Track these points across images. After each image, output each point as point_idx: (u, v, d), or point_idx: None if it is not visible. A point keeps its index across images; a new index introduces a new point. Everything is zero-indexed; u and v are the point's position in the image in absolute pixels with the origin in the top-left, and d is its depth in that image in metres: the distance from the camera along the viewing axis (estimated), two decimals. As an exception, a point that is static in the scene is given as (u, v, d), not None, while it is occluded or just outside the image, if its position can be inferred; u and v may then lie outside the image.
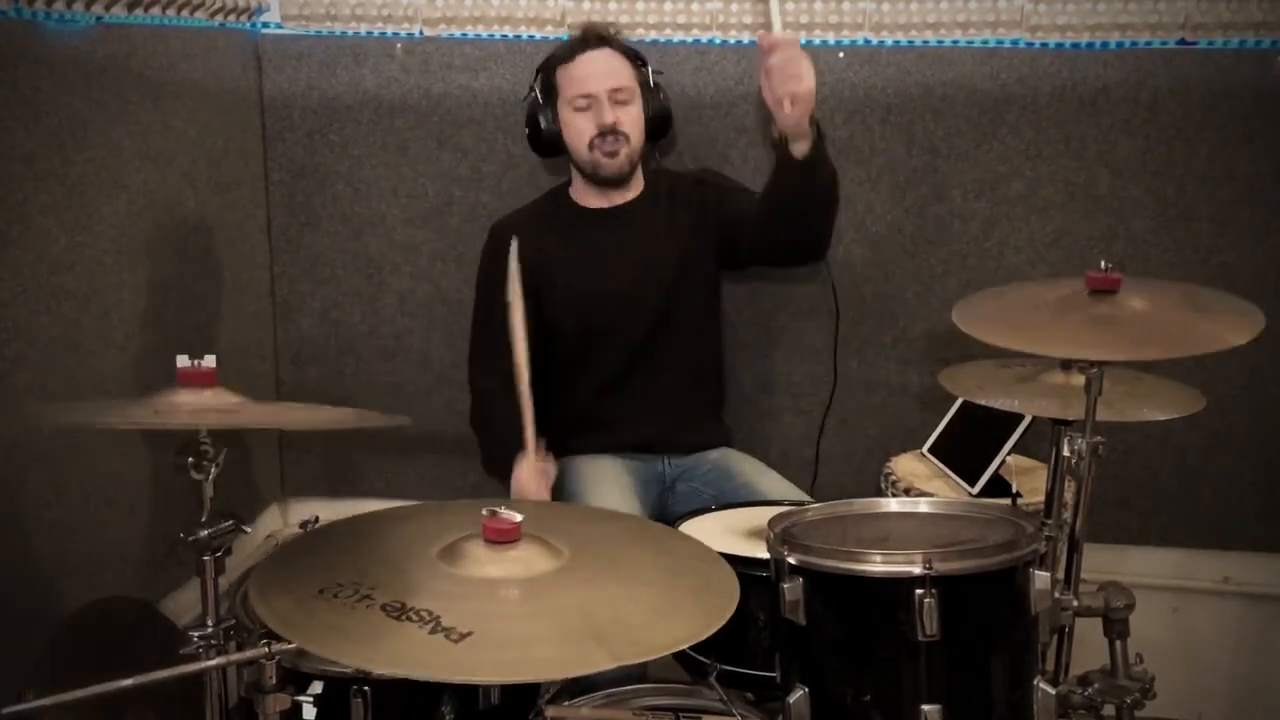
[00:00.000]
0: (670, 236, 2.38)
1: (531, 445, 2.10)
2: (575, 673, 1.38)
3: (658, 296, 2.35)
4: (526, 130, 2.41)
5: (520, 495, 2.11)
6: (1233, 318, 1.74)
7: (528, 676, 1.24)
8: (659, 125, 2.41)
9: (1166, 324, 1.75)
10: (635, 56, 2.37)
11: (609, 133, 2.27)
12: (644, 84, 2.36)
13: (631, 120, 2.31)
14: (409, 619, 1.27)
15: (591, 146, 2.29)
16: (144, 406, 1.42)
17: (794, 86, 2.01)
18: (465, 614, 1.27)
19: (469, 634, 1.23)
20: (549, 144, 2.38)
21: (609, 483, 2.25)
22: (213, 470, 1.42)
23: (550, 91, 2.34)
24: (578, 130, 2.30)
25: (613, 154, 2.29)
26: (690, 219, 2.39)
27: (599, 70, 2.30)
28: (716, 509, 2.08)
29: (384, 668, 1.21)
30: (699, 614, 1.33)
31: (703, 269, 2.41)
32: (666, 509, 2.32)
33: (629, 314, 2.35)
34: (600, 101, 2.27)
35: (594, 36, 2.32)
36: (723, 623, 1.32)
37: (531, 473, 2.10)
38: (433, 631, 1.24)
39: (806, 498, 2.23)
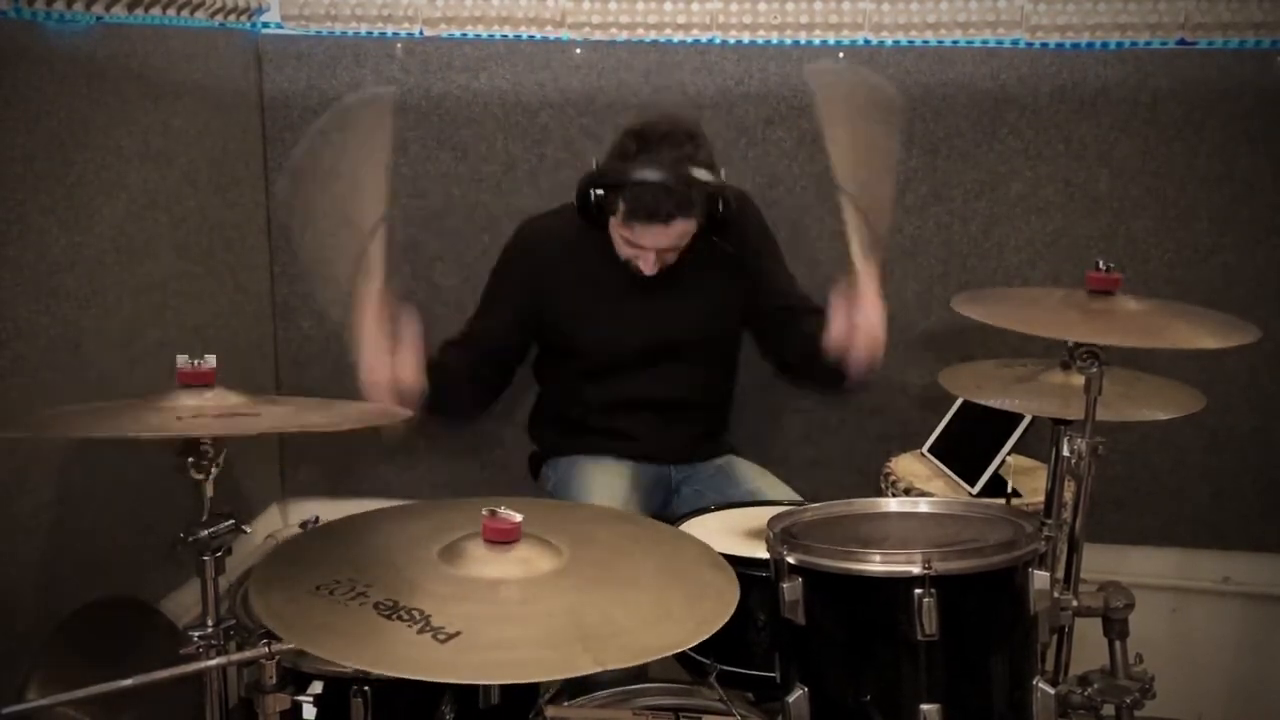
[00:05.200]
0: (699, 292, 2.30)
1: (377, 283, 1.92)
2: (558, 676, 1.38)
3: (679, 345, 2.32)
4: (579, 205, 2.18)
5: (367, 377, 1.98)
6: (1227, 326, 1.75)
7: (510, 678, 1.25)
8: (717, 222, 2.19)
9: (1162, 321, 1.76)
10: (712, 195, 2.13)
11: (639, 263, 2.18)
12: (703, 212, 2.14)
13: (676, 242, 2.16)
14: (399, 618, 1.27)
15: (625, 258, 2.20)
16: (151, 410, 1.40)
17: (875, 347, 2.04)
18: (456, 614, 1.27)
19: (457, 634, 1.23)
20: (592, 214, 2.20)
21: (615, 485, 2.26)
22: (213, 470, 1.42)
23: (606, 207, 2.16)
24: (618, 245, 2.19)
25: (644, 269, 2.19)
26: (723, 277, 2.31)
27: (657, 237, 2.14)
28: (716, 509, 2.08)
29: (366, 665, 1.21)
30: (690, 620, 1.32)
31: (727, 319, 2.38)
32: (670, 511, 2.32)
33: (648, 356, 2.32)
34: (645, 254, 2.16)
35: (671, 206, 2.08)
36: (713, 631, 1.32)
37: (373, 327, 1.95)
38: (421, 631, 1.24)
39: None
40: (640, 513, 2.18)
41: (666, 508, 2.33)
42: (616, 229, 2.18)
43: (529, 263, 2.32)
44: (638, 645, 1.26)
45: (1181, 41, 2.41)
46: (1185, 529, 2.59)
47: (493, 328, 2.33)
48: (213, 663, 1.39)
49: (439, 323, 2.65)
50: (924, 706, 1.46)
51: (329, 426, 1.37)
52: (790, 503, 2.04)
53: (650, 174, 2.08)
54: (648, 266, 2.18)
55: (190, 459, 1.42)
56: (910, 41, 2.47)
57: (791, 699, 1.53)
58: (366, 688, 1.55)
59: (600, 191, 2.15)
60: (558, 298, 2.29)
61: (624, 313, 2.30)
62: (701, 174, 2.11)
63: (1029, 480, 2.25)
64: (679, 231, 2.14)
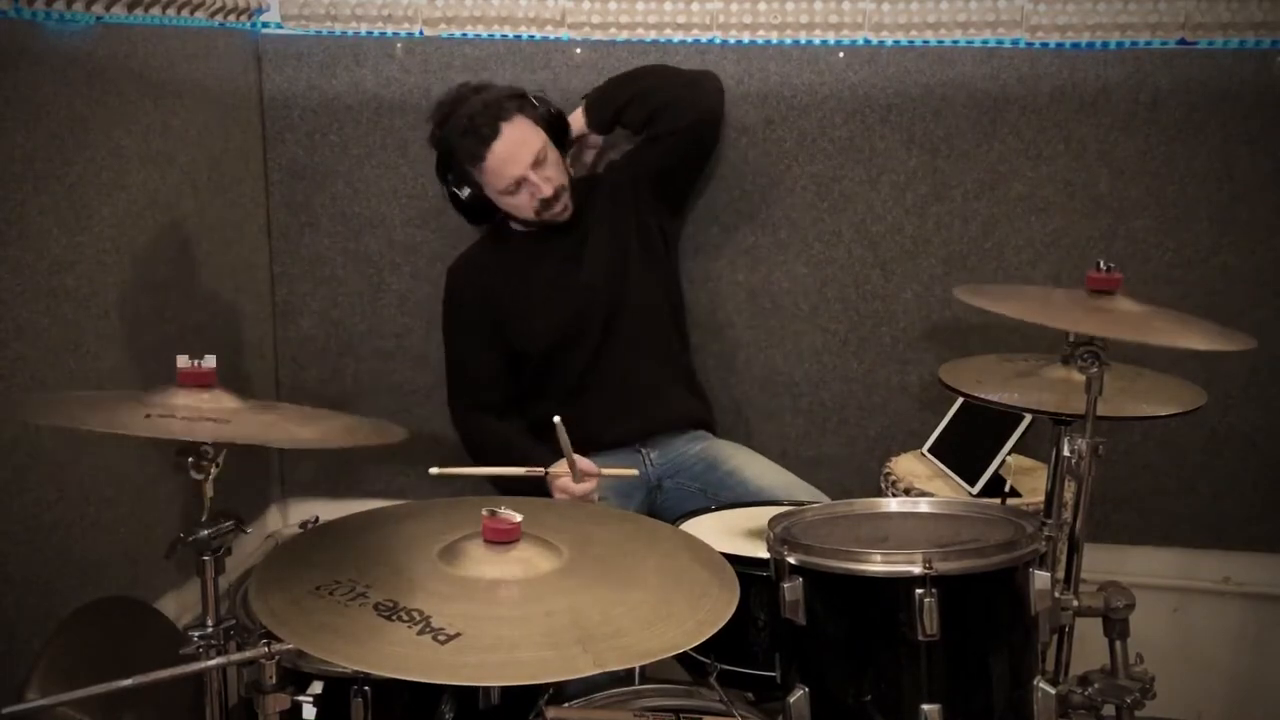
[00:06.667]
0: (610, 232, 2.40)
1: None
2: (558, 677, 1.38)
3: (610, 294, 2.39)
4: (462, 216, 2.43)
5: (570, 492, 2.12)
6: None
7: (510, 680, 1.24)
8: (561, 138, 2.37)
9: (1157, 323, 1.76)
10: (519, 97, 2.30)
11: (552, 200, 2.29)
12: (540, 118, 2.31)
13: (558, 169, 2.31)
14: (399, 619, 1.27)
15: (538, 213, 2.31)
16: (138, 411, 1.40)
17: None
18: (455, 615, 1.27)
19: (457, 635, 1.23)
20: (485, 214, 2.40)
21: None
22: (213, 470, 1.42)
23: (470, 185, 2.34)
24: (518, 206, 2.32)
25: (563, 211, 2.33)
26: (621, 203, 2.41)
27: (512, 154, 2.25)
28: (716, 509, 2.08)
29: (366, 666, 1.21)
30: (691, 621, 1.32)
31: (650, 249, 2.44)
32: (656, 509, 2.31)
33: (586, 320, 2.38)
34: (529, 180, 2.27)
35: (487, 122, 2.25)
36: (713, 632, 1.31)
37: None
38: (421, 632, 1.24)
39: (796, 481, 2.27)
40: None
41: (651, 506, 2.33)
42: (495, 193, 2.31)
43: (470, 294, 2.42)
44: (638, 646, 1.26)
45: (1181, 41, 2.41)
46: (1185, 529, 2.59)
47: (480, 375, 2.42)
48: (213, 663, 1.39)
49: (439, 322, 2.67)
50: (924, 707, 1.45)
51: (317, 443, 1.37)
52: (791, 501, 2.04)
53: (453, 112, 2.29)
54: (558, 205, 2.30)
55: (190, 459, 1.42)
56: (910, 41, 2.47)
57: (792, 699, 1.53)
58: (366, 688, 1.55)
59: (451, 178, 2.35)
60: (497, 305, 2.38)
61: (552, 279, 2.39)
62: (495, 87, 2.34)
63: (1029, 480, 2.24)
64: (521, 138, 2.26)
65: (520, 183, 2.27)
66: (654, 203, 2.43)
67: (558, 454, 2.07)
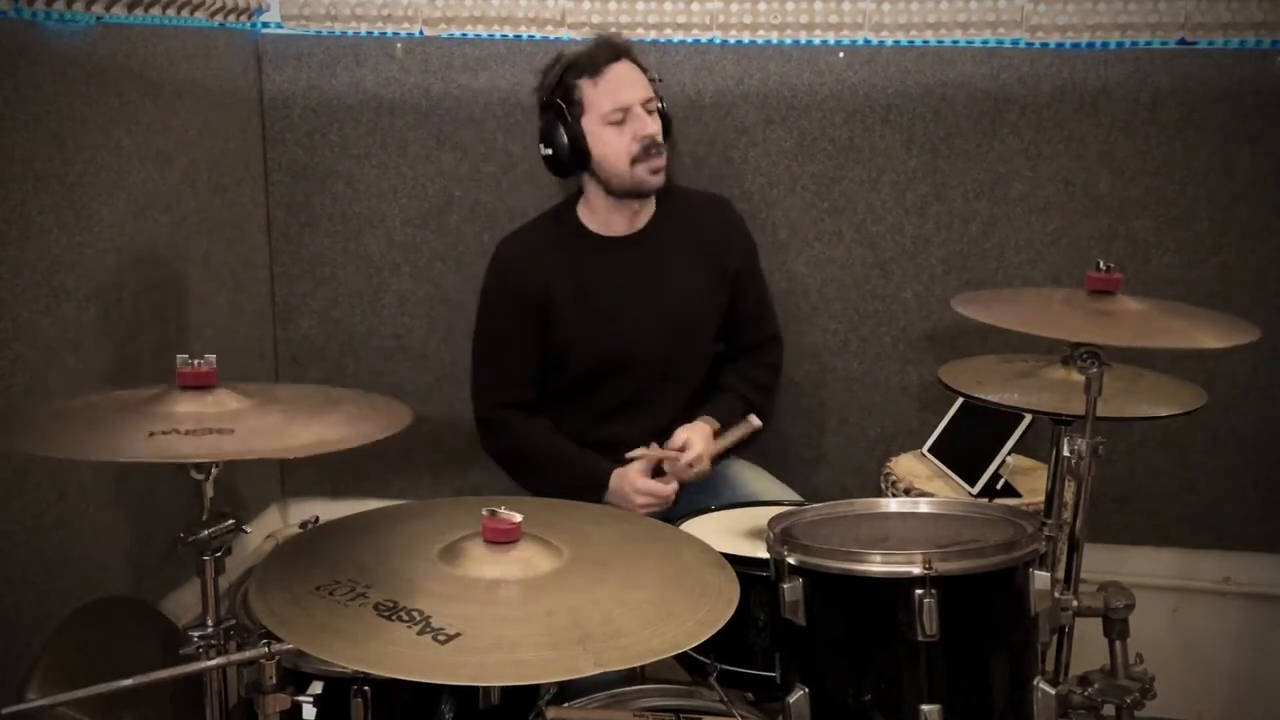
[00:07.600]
0: (683, 271, 2.30)
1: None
2: (558, 677, 1.38)
3: (671, 330, 2.28)
4: (549, 151, 2.22)
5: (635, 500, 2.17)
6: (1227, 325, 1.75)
7: (510, 680, 1.24)
8: (667, 132, 2.29)
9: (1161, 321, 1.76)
10: (644, 67, 2.27)
11: (652, 145, 2.17)
12: (656, 93, 2.26)
13: (660, 131, 2.22)
14: (399, 619, 1.27)
15: (634, 162, 2.17)
16: (140, 428, 1.38)
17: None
18: (456, 615, 1.27)
19: (457, 635, 1.23)
20: (572, 163, 2.22)
21: None
22: (213, 470, 1.42)
23: (574, 107, 2.19)
24: (615, 147, 2.17)
25: (657, 170, 2.19)
26: (705, 258, 2.32)
27: (631, 78, 2.18)
28: (716, 509, 2.08)
29: (366, 666, 1.21)
30: (691, 621, 1.32)
31: (714, 304, 2.35)
32: (666, 516, 2.30)
33: (640, 349, 2.28)
34: (637, 113, 2.17)
35: (619, 47, 2.21)
36: (713, 631, 1.32)
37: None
38: (421, 632, 1.24)
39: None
40: None
41: (663, 515, 2.31)
42: (597, 124, 2.18)
43: (520, 282, 2.27)
44: (638, 646, 1.26)
45: (1181, 41, 2.41)
46: (1185, 529, 2.59)
47: (514, 370, 2.29)
48: (213, 663, 1.39)
49: (439, 322, 2.67)
50: (924, 707, 1.45)
51: (312, 449, 1.36)
52: (791, 502, 2.04)
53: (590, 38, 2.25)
54: (658, 159, 2.18)
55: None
56: (910, 41, 2.47)
57: (792, 699, 1.53)
58: (366, 688, 1.55)
59: (556, 101, 2.20)
60: (548, 298, 2.25)
61: (616, 297, 2.27)
62: None
63: (1029, 480, 2.25)
64: (641, 77, 2.20)
65: (627, 111, 2.16)
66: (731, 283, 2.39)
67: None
